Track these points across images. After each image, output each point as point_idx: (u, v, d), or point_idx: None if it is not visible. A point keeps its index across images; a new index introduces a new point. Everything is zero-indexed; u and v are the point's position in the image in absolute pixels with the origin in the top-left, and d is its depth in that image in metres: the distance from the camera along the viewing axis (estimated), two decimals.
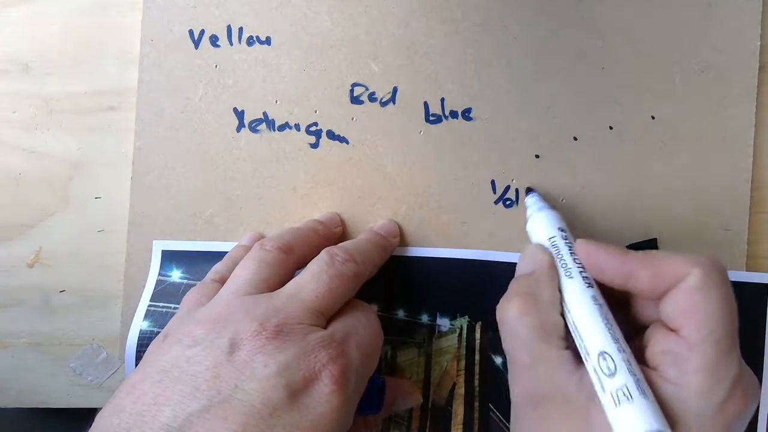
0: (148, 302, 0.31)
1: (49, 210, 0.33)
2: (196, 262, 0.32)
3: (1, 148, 0.33)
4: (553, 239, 0.27)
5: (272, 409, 0.21)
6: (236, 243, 0.31)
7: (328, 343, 0.23)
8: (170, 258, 0.32)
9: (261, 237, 0.32)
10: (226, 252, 0.31)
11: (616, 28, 0.32)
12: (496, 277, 0.31)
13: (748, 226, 0.32)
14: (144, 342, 0.31)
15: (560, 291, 0.25)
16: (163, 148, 0.32)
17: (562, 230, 0.27)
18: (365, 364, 0.25)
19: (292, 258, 0.27)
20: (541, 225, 0.28)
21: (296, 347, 0.23)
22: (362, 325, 0.26)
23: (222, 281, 0.27)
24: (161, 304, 0.31)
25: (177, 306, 0.31)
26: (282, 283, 0.26)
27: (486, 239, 0.32)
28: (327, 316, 0.25)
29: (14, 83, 0.32)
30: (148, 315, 0.31)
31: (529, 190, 0.31)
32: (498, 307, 0.26)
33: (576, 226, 0.32)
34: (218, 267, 0.29)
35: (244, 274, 0.26)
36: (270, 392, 0.21)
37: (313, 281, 0.25)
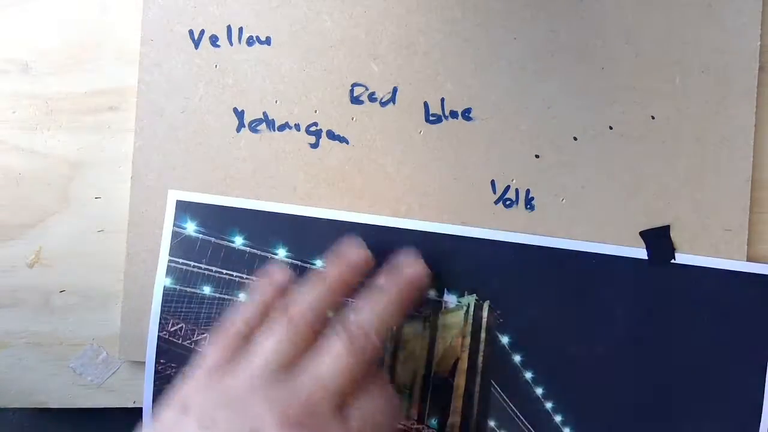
0: (167, 257, 0.32)
1: (49, 210, 0.33)
2: (212, 216, 0.32)
3: (1, 148, 0.33)
4: None
5: None
6: (255, 200, 0.31)
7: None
8: (184, 209, 0.32)
9: (287, 272, 0.30)
10: (243, 209, 0.31)
11: (616, 28, 0.32)
12: (506, 258, 0.32)
13: (748, 226, 0.32)
14: (169, 299, 0.31)
15: None
16: (163, 148, 0.32)
17: None
18: None
19: (318, 327, 0.27)
20: None
21: None
22: (380, 411, 0.26)
23: (246, 335, 0.27)
24: (180, 261, 0.32)
25: (196, 264, 0.32)
26: (303, 353, 0.26)
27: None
28: (345, 396, 0.25)
29: (14, 83, 0.32)
30: (170, 272, 0.32)
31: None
32: None
33: (576, 226, 0.32)
34: (243, 315, 0.28)
35: (270, 350, 0.26)
36: None
37: (333, 361, 0.25)
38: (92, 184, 0.33)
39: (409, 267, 0.29)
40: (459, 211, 0.32)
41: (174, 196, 0.32)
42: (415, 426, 0.32)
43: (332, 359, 0.25)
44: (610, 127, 0.32)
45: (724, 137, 0.32)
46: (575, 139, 0.32)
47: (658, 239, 0.32)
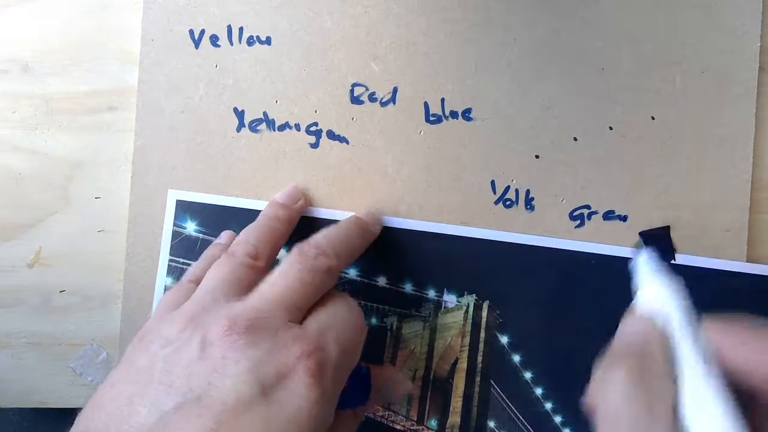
0: (168, 257, 0.32)
1: (49, 210, 0.33)
2: (212, 215, 0.32)
3: (1, 148, 0.33)
4: (679, 315, 0.23)
5: (246, 405, 0.21)
6: (255, 199, 0.32)
7: (302, 338, 0.23)
8: (184, 209, 0.32)
9: (232, 234, 0.31)
10: (242, 208, 0.32)
11: (616, 28, 0.32)
12: (506, 258, 0.32)
13: (748, 226, 0.32)
14: None
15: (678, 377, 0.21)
16: (163, 148, 0.32)
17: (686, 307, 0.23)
18: (344, 357, 0.24)
19: (262, 260, 0.27)
20: (663, 295, 0.24)
21: (268, 343, 0.23)
22: (341, 319, 0.25)
23: (198, 282, 0.27)
24: (181, 260, 0.32)
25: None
26: (254, 287, 0.26)
27: None
28: (302, 310, 0.25)
29: (14, 83, 0.32)
30: (170, 271, 0.32)
31: (644, 244, 0.29)
32: (599, 377, 0.22)
33: (576, 226, 0.32)
34: (194, 269, 0.29)
35: (218, 275, 0.26)
36: (242, 388, 0.21)
37: (282, 276, 0.25)
38: (92, 184, 0.33)
39: (363, 212, 0.31)
40: (459, 211, 0.32)
41: (174, 196, 0.32)
42: (415, 426, 0.32)
43: (281, 273, 0.25)
44: (610, 127, 0.32)
45: (724, 137, 0.32)
46: (575, 139, 0.32)
47: (658, 239, 0.32)
